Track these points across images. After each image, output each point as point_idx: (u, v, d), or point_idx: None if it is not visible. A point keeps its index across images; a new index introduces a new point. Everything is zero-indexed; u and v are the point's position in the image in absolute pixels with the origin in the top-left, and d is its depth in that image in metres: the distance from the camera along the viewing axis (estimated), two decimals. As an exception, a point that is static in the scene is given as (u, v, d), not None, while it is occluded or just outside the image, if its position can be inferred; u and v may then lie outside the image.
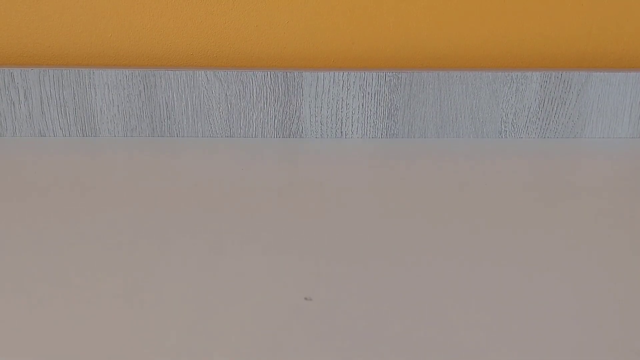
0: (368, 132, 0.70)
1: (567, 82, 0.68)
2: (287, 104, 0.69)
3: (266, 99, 0.69)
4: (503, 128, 0.70)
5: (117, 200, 0.58)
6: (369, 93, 0.68)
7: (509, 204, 0.58)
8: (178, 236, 0.52)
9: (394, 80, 0.68)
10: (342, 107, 0.69)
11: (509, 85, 0.68)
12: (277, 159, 0.67)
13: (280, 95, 0.68)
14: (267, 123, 0.70)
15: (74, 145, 0.68)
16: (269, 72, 0.68)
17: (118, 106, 0.69)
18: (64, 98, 0.68)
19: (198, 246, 0.51)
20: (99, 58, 0.72)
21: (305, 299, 0.44)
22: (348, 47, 0.71)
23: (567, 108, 0.70)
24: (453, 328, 0.42)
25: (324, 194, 0.59)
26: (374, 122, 0.70)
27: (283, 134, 0.70)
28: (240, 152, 0.67)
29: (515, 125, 0.70)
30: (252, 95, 0.68)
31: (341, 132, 0.70)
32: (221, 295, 0.45)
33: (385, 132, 0.70)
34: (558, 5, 0.70)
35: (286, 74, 0.68)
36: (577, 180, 0.63)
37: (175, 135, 0.70)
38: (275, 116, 0.69)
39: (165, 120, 0.69)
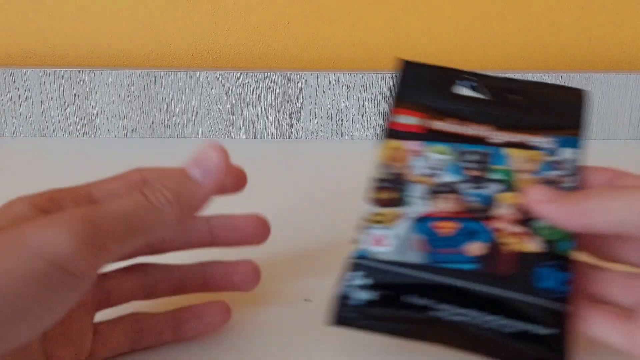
0: (368, 134, 0.70)
1: (567, 84, 0.68)
2: (287, 105, 0.69)
3: (266, 100, 0.69)
4: (503, 130, 0.70)
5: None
6: (369, 94, 0.68)
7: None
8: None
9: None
10: (342, 109, 0.69)
11: (509, 87, 0.68)
12: (277, 159, 0.67)
13: (281, 96, 0.68)
14: (268, 124, 0.70)
15: (75, 145, 0.68)
16: (269, 73, 0.68)
17: (118, 107, 0.69)
18: (64, 98, 0.68)
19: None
20: (99, 58, 0.72)
21: (305, 300, 0.44)
22: (349, 48, 0.71)
23: (568, 110, 0.70)
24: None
25: (324, 194, 0.59)
26: (374, 123, 0.70)
27: (283, 134, 0.70)
28: (240, 153, 0.67)
29: (515, 127, 0.70)
30: (253, 96, 0.68)
31: (341, 134, 0.70)
32: (221, 297, 0.45)
33: (386, 134, 0.70)
34: (558, 7, 0.70)
35: (286, 75, 0.68)
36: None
37: (176, 136, 0.70)
38: (275, 117, 0.69)
39: (166, 121, 0.69)
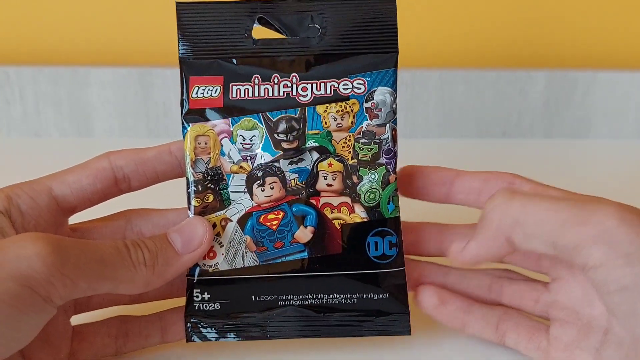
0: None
1: (573, 82, 0.67)
2: (286, 103, 0.68)
3: (265, 98, 0.68)
4: (507, 128, 0.69)
5: (112, 200, 0.56)
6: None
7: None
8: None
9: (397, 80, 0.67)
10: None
11: (513, 85, 0.67)
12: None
13: (280, 95, 0.67)
14: (266, 123, 0.69)
15: (70, 145, 0.67)
16: (268, 71, 0.67)
17: (114, 105, 0.68)
18: (59, 97, 0.67)
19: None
20: (94, 56, 0.70)
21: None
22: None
23: (573, 108, 0.69)
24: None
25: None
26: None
27: (282, 134, 0.69)
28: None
29: (519, 126, 0.69)
30: (251, 94, 0.67)
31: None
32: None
33: (387, 133, 0.69)
34: (563, 5, 0.69)
35: (286, 73, 0.67)
36: (582, 181, 0.62)
37: (172, 136, 0.69)
38: (274, 116, 0.68)
39: (162, 120, 0.68)
